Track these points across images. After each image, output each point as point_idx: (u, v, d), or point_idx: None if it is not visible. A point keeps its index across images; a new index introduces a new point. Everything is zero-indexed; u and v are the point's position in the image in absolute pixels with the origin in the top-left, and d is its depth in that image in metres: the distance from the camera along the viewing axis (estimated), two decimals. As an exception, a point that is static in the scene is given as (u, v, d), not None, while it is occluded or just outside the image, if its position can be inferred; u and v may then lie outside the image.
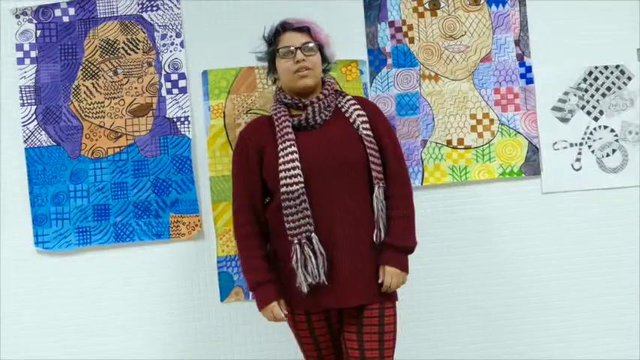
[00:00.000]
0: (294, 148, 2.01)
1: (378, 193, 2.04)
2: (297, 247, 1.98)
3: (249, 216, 2.10)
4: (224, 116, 2.58)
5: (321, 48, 2.12)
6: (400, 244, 2.05)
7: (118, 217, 2.55)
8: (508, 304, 2.65)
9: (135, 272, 2.58)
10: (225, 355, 2.59)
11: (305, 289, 1.98)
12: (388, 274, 2.02)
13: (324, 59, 2.16)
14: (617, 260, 2.66)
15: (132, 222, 2.56)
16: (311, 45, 2.07)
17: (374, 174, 2.04)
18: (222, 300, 2.58)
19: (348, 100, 2.15)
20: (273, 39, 2.13)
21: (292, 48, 2.05)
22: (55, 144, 2.54)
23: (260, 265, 2.07)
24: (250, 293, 2.55)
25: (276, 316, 2.04)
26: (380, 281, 2.03)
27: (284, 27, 2.11)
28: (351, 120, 2.10)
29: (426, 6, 2.63)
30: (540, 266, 2.65)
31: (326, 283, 1.98)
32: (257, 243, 2.10)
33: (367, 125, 2.08)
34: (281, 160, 2.01)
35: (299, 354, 2.24)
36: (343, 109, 2.13)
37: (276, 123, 2.08)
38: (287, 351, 2.56)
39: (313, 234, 1.98)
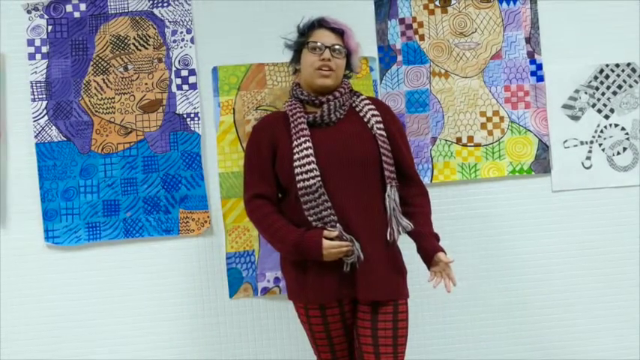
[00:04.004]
0: (309, 144, 2.01)
1: (391, 192, 2.05)
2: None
3: (262, 200, 2.10)
4: (234, 112, 2.59)
5: (348, 54, 2.14)
6: (435, 232, 2.12)
7: (127, 213, 2.56)
8: (517, 301, 2.65)
9: (144, 268, 2.58)
10: (233, 351, 2.59)
11: (346, 267, 1.99)
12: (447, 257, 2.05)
13: (349, 66, 2.17)
14: (628, 259, 2.66)
15: (141, 217, 2.56)
16: (340, 48, 2.09)
17: (386, 173, 2.06)
18: (231, 296, 2.59)
19: (363, 99, 2.16)
20: (306, 31, 2.15)
21: (321, 45, 2.07)
22: (65, 139, 2.55)
23: (290, 228, 2.03)
24: (259, 288, 2.57)
25: (338, 249, 1.96)
26: (448, 261, 2.03)
27: (320, 23, 2.13)
28: (365, 119, 2.11)
29: (437, 3, 2.63)
30: (550, 264, 2.65)
31: (362, 258, 1.98)
32: (278, 216, 2.07)
33: (381, 125, 2.10)
34: (296, 157, 2.02)
35: (308, 350, 2.24)
36: (357, 109, 2.14)
37: (291, 119, 2.09)
38: (296, 347, 2.57)
39: (338, 224, 1.99)
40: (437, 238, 2.12)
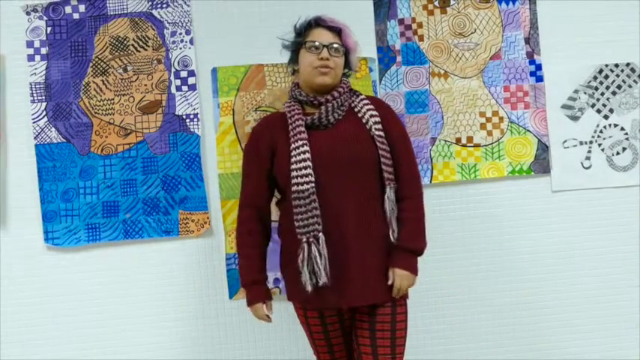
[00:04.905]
0: (306, 148, 2.00)
1: (390, 193, 2.04)
2: (305, 245, 1.98)
3: (252, 212, 2.12)
4: (233, 113, 2.59)
5: (347, 53, 2.13)
6: (410, 246, 2.04)
7: (127, 214, 2.56)
8: (517, 302, 2.65)
9: (144, 269, 2.59)
10: (233, 352, 2.59)
11: (309, 287, 1.98)
12: (398, 277, 2.01)
13: (347, 64, 2.16)
14: (628, 259, 2.66)
15: (141, 219, 2.56)
16: (338, 47, 2.08)
17: (385, 175, 2.04)
18: (230, 297, 2.59)
19: (362, 99, 2.14)
20: (303, 31, 2.14)
21: (319, 44, 2.06)
22: (65, 140, 2.55)
23: (254, 265, 2.11)
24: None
25: (260, 317, 2.11)
26: (389, 283, 2.02)
27: (317, 22, 2.12)
28: (364, 120, 2.09)
29: (436, 3, 2.63)
30: (549, 264, 2.65)
31: (327, 284, 1.97)
32: (255, 241, 2.12)
33: (379, 126, 2.08)
34: (293, 160, 2.01)
35: (308, 351, 2.24)
36: (356, 109, 2.12)
37: (289, 121, 2.08)
38: (295, 348, 2.57)
39: (320, 234, 1.97)
40: (405, 249, 2.04)
